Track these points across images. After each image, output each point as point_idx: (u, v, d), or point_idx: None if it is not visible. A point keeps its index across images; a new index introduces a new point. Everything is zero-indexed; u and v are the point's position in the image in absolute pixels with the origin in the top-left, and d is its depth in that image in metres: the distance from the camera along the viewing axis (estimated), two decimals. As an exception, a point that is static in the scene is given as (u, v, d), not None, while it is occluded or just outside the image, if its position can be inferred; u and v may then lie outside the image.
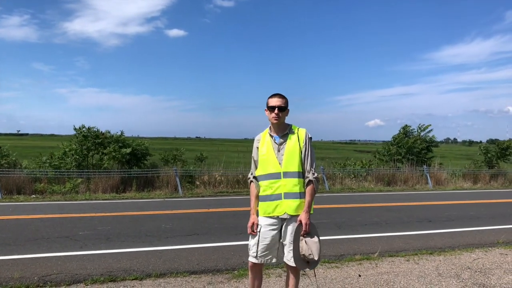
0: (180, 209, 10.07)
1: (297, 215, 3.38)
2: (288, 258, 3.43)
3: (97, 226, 7.77)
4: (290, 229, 3.40)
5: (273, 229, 3.44)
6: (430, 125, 20.10)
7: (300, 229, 3.35)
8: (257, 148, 3.57)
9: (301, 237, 3.35)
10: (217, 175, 14.51)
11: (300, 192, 3.40)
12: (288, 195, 3.39)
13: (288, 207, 3.38)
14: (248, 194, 3.77)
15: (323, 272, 5.20)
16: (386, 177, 16.67)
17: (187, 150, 18.75)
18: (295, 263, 3.37)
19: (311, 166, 3.47)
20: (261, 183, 3.50)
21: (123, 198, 11.99)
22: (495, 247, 6.71)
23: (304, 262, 3.39)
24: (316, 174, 3.47)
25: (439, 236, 7.43)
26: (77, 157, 14.01)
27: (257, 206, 3.55)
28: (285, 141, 3.47)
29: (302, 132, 3.52)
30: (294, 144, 3.45)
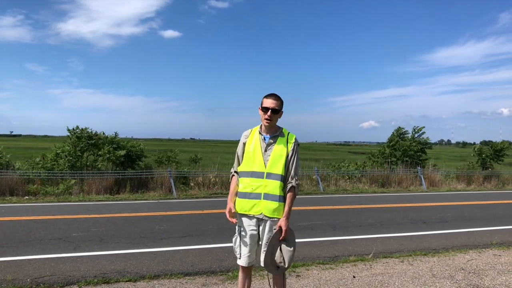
0: (174, 211, 10.03)
1: (274, 218, 3.36)
2: (261, 260, 3.42)
3: (91, 228, 7.72)
4: (267, 231, 3.39)
5: (251, 230, 3.43)
6: (423, 127, 20.23)
7: (278, 235, 3.32)
8: (244, 144, 3.54)
9: (277, 243, 3.33)
10: (211, 177, 14.48)
11: (279, 195, 3.38)
12: (267, 196, 3.37)
13: (265, 208, 3.36)
14: None
15: (318, 274, 5.20)
16: (381, 178, 16.72)
17: (181, 152, 18.72)
18: (265, 266, 3.37)
19: (296, 172, 3.44)
20: (243, 179, 3.47)
21: (117, 200, 11.93)
22: (488, 248, 6.74)
23: (274, 267, 3.38)
24: (298, 182, 3.47)
25: (433, 237, 7.45)
26: (71, 158, 13.93)
27: (234, 199, 3.52)
28: (274, 142, 3.45)
29: (291, 138, 3.50)
30: (282, 148, 3.43)
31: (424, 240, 7.25)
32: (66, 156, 13.97)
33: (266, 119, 3.40)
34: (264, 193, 3.37)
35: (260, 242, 3.46)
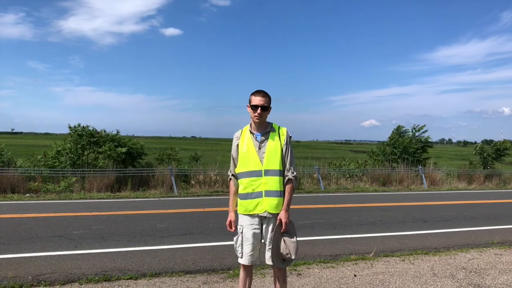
0: (175, 209, 10.04)
1: (277, 214, 3.39)
2: (267, 257, 3.43)
3: (92, 226, 7.73)
4: (271, 228, 3.41)
5: (254, 229, 3.43)
6: (424, 125, 20.22)
7: (280, 228, 3.36)
8: (237, 145, 3.53)
9: (280, 236, 3.36)
10: (212, 175, 14.48)
11: (280, 191, 3.40)
12: (269, 193, 3.38)
13: (269, 205, 3.37)
14: None
15: (319, 272, 5.19)
16: (381, 177, 16.71)
17: (182, 150, 18.72)
18: (272, 261, 3.38)
19: (291, 164, 3.46)
20: (242, 180, 3.46)
21: (118, 197, 11.94)
22: (490, 247, 6.73)
23: (280, 260, 3.40)
24: (295, 173, 3.48)
25: (434, 236, 7.45)
26: (72, 155, 13.93)
27: (235, 204, 3.54)
28: (266, 139, 3.45)
29: (283, 131, 3.51)
30: (275, 143, 3.43)
31: (425, 239, 7.25)
32: (67, 154, 13.97)
33: (256, 116, 3.40)
34: (265, 191, 3.38)
35: (263, 241, 3.46)
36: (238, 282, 3.67)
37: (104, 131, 14.81)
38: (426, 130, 20.08)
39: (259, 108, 3.38)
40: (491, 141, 21.93)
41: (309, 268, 5.34)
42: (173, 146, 18.69)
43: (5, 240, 6.52)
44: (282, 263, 3.43)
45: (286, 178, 3.44)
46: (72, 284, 4.66)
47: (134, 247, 6.27)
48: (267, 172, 3.39)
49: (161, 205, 10.68)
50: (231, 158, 3.60)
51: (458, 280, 4.99)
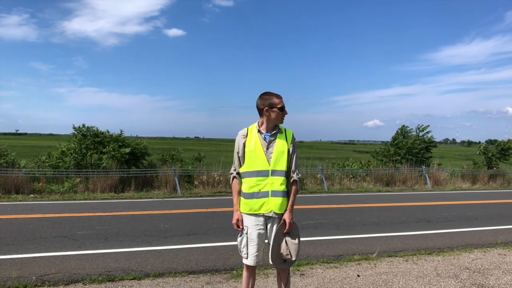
0: (178, 209, 10.05)
1: (282, 214, 3.41)
2: (270, 257, 3.44)
3: (96, 226, 7.75)
4: (275, 228, 3.41)
5: (259, 229, 3.43)
6: (428, 125, 20.17)
7: (283, 228, 3.37)
8: (244, 144, 3.51)
9: (282, 237, 3.37)
10: (215, 175, 14.49)
11: (284, 191, 3.43)
12: (275, 193, 3.39)
13: (274, 205, 3.38)
14: None
15: (322, 272, 5.19)
16: (385, 177, 16.67)
17: (185, 150, 18.73)
18: (272, 261, 3.39)
19: (296, 166, 3.51)
20: (247, 180, 3.45)
21: (121, 198, 11.97)
22: (493, 247, 6.71)
23: (281, 260, 3.41)
24: (300, 175, 3.51)
25: (438, 237, 7.43)
26: (76, 156, 13.98)
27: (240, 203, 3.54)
28: (274, 139, 3.46)
29: (289, 133, 3.55)
30: (283, 144, 3.46)
31: (429, 239, 7.23)
32: (71, 154, 14.02)
33: (283, 118, 3.50)
34: (272, 191, 3.39)
35: (266, 241, 3.47)
36: (241, 283, 3.67)
37: (108, 131, 14.87)
38: (430, 131, 20.03)
39: (285, 109, 3.48)
40: (495, 141, 21.88)
41: (312, 268, 5.34)
42: (176, 146, 18.71)
43: (10, 240, 6.55)
44: (282, 263, 3.44)
45: (292, 179, 3.46)
46: (76, 284, 4.68)
47: (138, 247, 6.28)
48: (274, 173, 3.40)
49: (165, 205, 10.70)
50: (236, 156, 3.57)
51: (462, 280, 4.98)
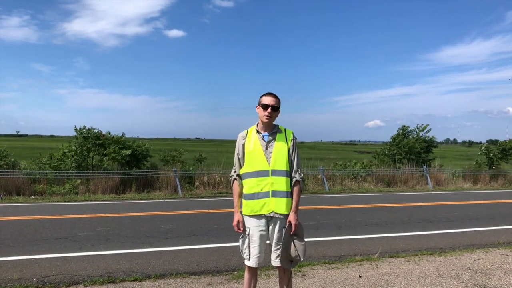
0: (179, 210, 10.05)
1: (283, 214, 3.38)
2: (273, 258, 3.42)
3: (97, 227, 7.75)
4: (277, 229, 3.39)
5: (261, 230, 3.41)
6: (428, 124, 20.15)
7: (289, 230, 3.36)
8: (243, 145, 3.52)
9: (290, 239, 3.36)
10: (216, 176, 14.49)
11: (287, 191, 3.39)
12: (275, 194, 3.37)
13: (275, 205, 3.36)
14: None
15: (323, 273, 5.18)
16: (386, 178, 16.66)
17: (186, 151, 18.72)
18: (281, 263, 3.38)
19: (298, 166, 3.48)
20: (247, 181, 3.44)
21: (122, 199, 11.97)
22: (495, 247, 6.69)
23: (288, 261, 3.41)
24: (302, 175, 3.48)
25: (440, 237, 7.41)
26: (77, 158, 13.99)
27: (240, 205, 3.53)
28: (273, 139, 3.45)
29: (289, 133, 3.53)
30: (282, 144, 3.44)
31: (431, 239, 7.21)
32: (72, 156, 14.03)
33: (266, 115, 3.41)
34: (272, 191, 3.37)
35: (271, 243, 3.45)
36: (243, 284, 3.66)
37: (109, 133, 14.87)
38: (430, 129, 20.01)
39: (270, 108, 3.40)
40: (497, 141, 21.83)
41: (313, 269, 5.33)
42: (177, 147, 18.70)
43: (11, 242, 6.54)
44: (290, 264, 3.43)
45: (294, 179, 3.44)
46: (77, 286, 4.67)
47: (139, 248, 6.27)
48: (274, 172, 3.38)
49: (166, 206, 10.69)
50: (236, 158, 3.57)
51: (464, 281, 4.96)
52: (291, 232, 3.36)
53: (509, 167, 19.72)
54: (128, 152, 14.18)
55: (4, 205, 10.59)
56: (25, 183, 12.59)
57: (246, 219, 3.47)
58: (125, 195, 12.78)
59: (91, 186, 13.01)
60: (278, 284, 4.03)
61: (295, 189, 3.43)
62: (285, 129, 3.55)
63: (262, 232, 3.42)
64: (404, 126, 20.52)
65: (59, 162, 14.02)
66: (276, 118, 3.53)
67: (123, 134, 15.13)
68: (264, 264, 3.60)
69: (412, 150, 18.60)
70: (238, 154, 3.55)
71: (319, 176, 15.64)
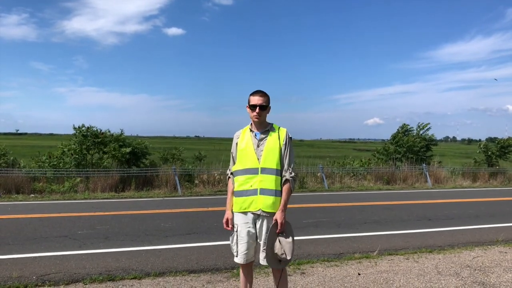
0: (179, 208, 10.05)
1: (272, 213, 3.36)
2: (261, 258, 3.41)
3: (96, 225, 7.75)
4: (265, 227, 3.38)
5: (248, 227, 3.42)
6: (428, 123, 20.15)
7: (275, 228, 3.32)
8: (236, 143, 3.55)
9: (275, 236, 3.33)
10: (216, 174, 14.50)
11: (276, 190, 3.37)
12: (264, 191, 3.36)
13: (263, 203, 3.35)
14: None
15: (323, 271, 5.19)
16: (386, 175, 16.67)
17: (186, 149, 18.74)
18: (267, 262, 3.36)
19: (289, 165, 3.45)
20: (238, 178, 3.46)
21: (122, 197, 11.97)
22: (494, 245, 6.71)
23: (276, 261, 3.37)
24: (293, 174, 3.45)
25: (439, 235, 7.43)
26: (77, 156, 13.98)
27: (232, 203, 3.54)
28: (265, 137, 3.46)
29: (282, 131, 3.52)
30: (274, 142, 3.44)
31: (430, 237, 7.23)
32: (72, 154, 14.02)
33: (255, 115, 3.42)
34: (260, 188, 3.36)
35: (258, 240, 3.44)
36: (240, 282, 3.67)
37: (109, 131, 14.86)
38: (430, 128, 20.03)
39: (258, 108, 3.40)
40: (496, 138, 21.84)
41: (312, 267, 5.34)
42: (177, 145, 18.71)
43: (10, 240, 6.55)
44: (278, 263, 3.39)
45: (284, 178, 3.42)
46: (77, 284, 4.68)
47: (138, 246, 6.28)
48: (264, 170, 3.38)
49: (165, 204, 10.70)
50: (231, 156, 3.62)
51: (463, 278, 4.97)
52: (277, 231, 3.32)
53: (508, 164, 19.75)
54: (128, 149, 14.17)
55: (3, 203, 10.59)
56: (25, 182, 12.59)
57: (235, 215, 3.49)
58: (124, 193, 12.78)
59: (91, 184, 13.01)
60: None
61: (285, 188, 3.40)
62: (279, 128, 3.54)
63: (249, 229, 3.42)
64: (405, 124, 20.54)
65: (59, 161, 14.02)
66: (267, 115, 3.53)
67: (122, 131, 15.11)
68: (257, 263, 3.61)
69: (411, 149, 18.61)
70: (232, 153, 3.60)
71: (318, 174, 15.65)
